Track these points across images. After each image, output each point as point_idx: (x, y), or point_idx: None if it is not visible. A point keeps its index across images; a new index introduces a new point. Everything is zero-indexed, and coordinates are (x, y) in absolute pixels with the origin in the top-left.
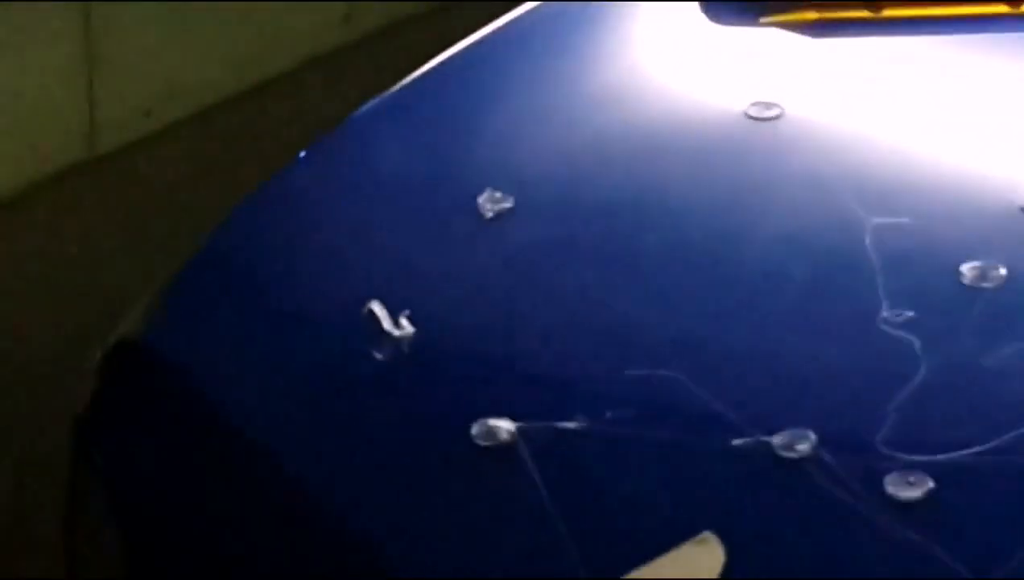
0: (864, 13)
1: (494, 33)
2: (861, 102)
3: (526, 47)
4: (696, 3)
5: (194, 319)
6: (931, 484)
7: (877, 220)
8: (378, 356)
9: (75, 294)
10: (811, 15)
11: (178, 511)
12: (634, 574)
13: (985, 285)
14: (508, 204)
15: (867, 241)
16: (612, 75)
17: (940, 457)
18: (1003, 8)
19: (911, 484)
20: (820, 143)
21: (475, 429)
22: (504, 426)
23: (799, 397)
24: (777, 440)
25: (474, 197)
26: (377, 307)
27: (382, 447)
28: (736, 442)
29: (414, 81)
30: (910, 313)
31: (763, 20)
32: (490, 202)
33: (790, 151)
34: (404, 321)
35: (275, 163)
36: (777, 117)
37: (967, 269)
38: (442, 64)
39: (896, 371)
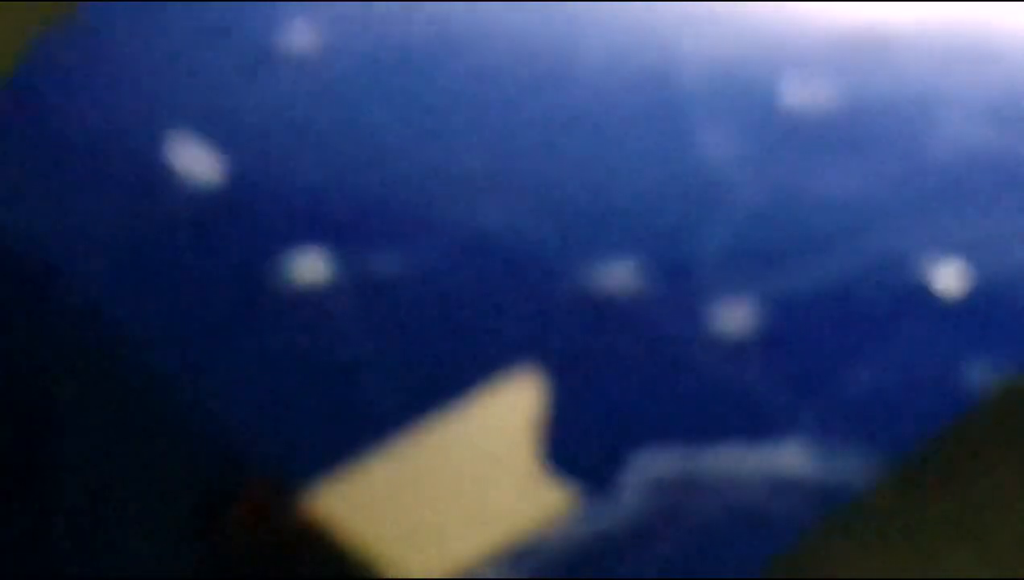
0: None
1: None
2: None
3: None
4: None
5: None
6: (755, 314)
7: (697, 45)
8: (185, 198)
9: None
10: None
11: None
12: (450, 412)
13: (809, 110)
14: (316, 38)
15: (687, 67)
16: None
17: (764, 286)
18: None
19: (734, 314)
20: None
21: (285, 269)
22: (315, 266)
23: (619, 229)
24: (597, 273)
25: (278, 31)
26: (182, 148)
27: (193, 291)
28: (555, 276)
29: None
30: (732, 140)
31: None
32: (297, 38)
33: None
34: (210, 162)
35: None
36: None
37: (790, 94)
38: None
39: (717, 200)
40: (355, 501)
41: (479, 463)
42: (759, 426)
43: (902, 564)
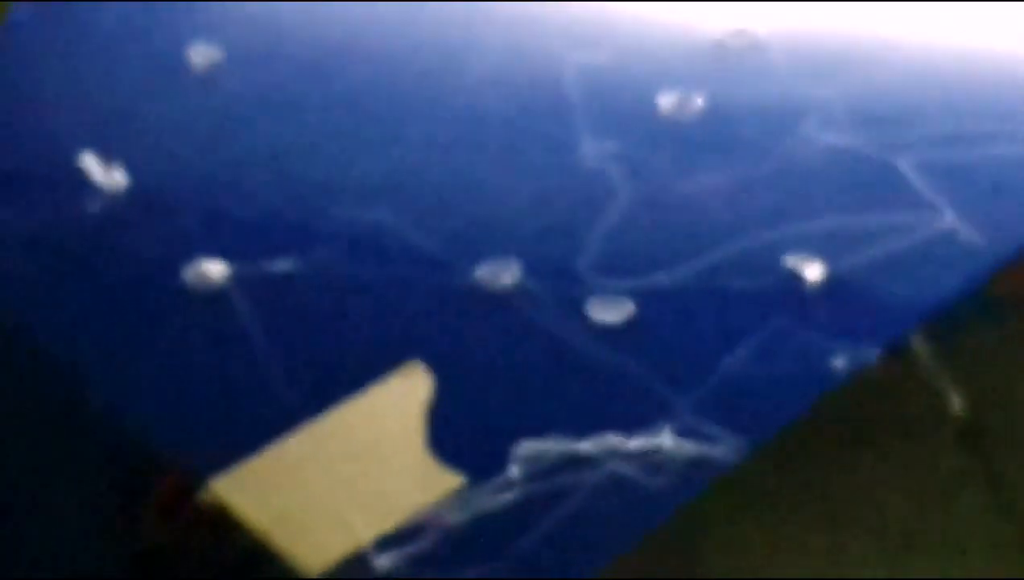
0: None
1: None
2: None
3: None
4: None
5: None
6: (632, 307)
7: (578, 57)
8: (93, 206)
9: None
10: None
11: None
12: (346, 404)
13: (682, 115)
14: (218, 56)
15: (568, 77)
16: None
17: (640, 281)
18: None
19: (612, 308)
20: None
21: (188, 273)
22: (216, 269)
23: (504, 230)
24: (482, 272)
25: (183, 50)
26: (90, 159)
27: (100, 295)
28: (443, 275)
29: None
30: (610, 145)
31: None
32: (200, 55)
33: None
34: (117, 172)
35: None
36: None
37: (664, 101)
38: None
39: (597, 201)
40: (259, 488)
41: (372, 451)
42: (636, 412)
43: (775, 535)
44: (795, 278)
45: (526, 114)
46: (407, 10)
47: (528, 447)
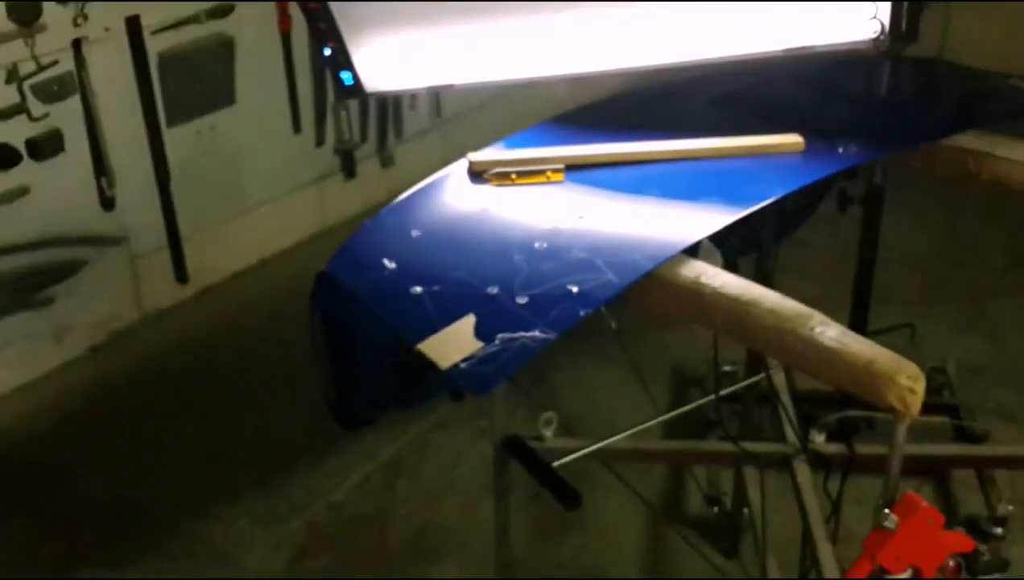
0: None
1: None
2: (525, 206)
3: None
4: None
5: (345, 261)
6: (527, 298)
7: (516, 231)
8: (386, 271)
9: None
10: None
11: (348, 342)
12: (435, 337)
13: (541, 249)
14: (420, 234)
15: (516, 256)
16: (453, 211)
17: (533, 291)
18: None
19: (523, 297)
20: (506, 214)
21: (411, 290)
22: (418, 288)
23: (499, 279)
24: (492, 290)
25: (411, 230)
26: (387, 261)
27: (387, 301)
28: (480, 293)
29: (407, 197)
30: (520, 258)
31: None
32: (414, 231)
33: (495, 217)
34: (392, 263)
35: None
36: (485, 210)
37: (537, 244)
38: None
39: (517, 273)
40: (431, 347)
41: (458, 339)
42: (529, 327)
43: (575, 372)
44: (571, 292)
45: (501, 264)
46: (465, 223)
47: (500, 336)
